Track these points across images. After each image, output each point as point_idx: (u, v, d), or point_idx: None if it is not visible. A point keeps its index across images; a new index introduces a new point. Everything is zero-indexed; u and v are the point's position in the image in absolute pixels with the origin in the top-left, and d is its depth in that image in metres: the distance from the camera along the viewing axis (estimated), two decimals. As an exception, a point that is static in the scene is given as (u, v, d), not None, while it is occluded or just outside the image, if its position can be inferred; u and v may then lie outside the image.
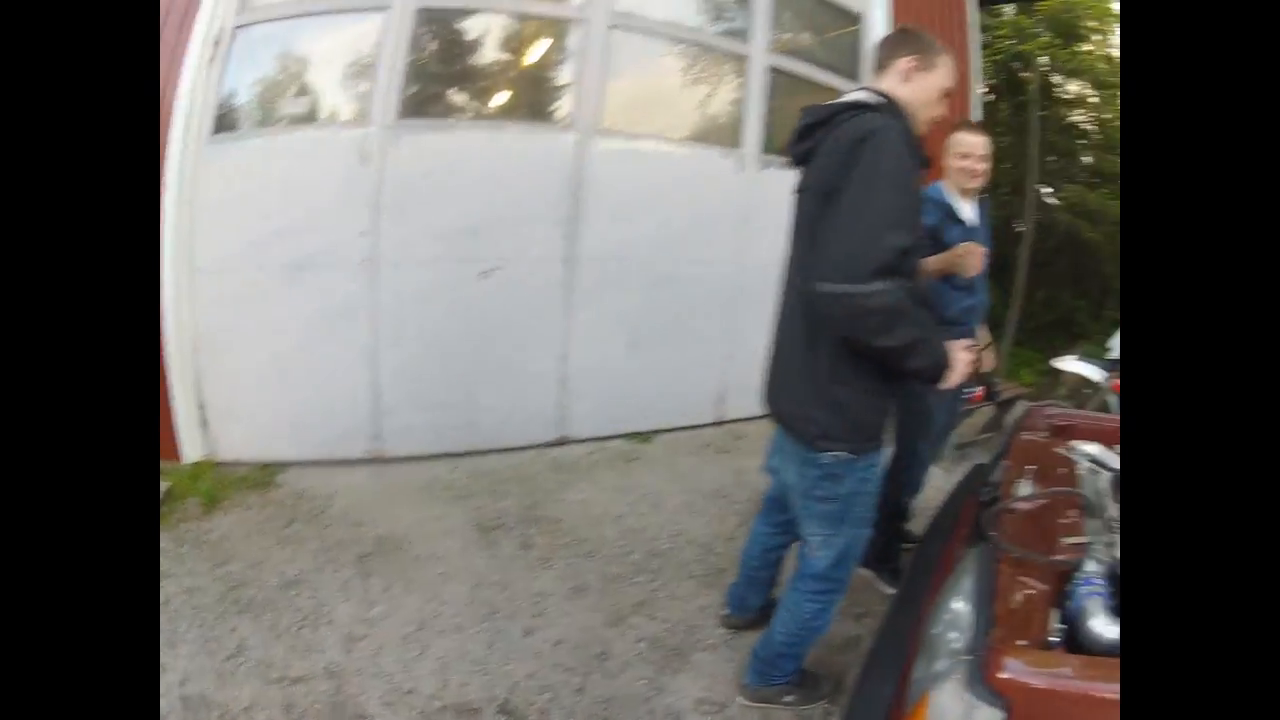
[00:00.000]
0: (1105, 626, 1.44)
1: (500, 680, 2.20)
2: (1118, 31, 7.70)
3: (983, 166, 2.61)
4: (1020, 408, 4.66)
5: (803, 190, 1.83)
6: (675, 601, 2.58)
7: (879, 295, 1.49)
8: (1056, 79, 8.21)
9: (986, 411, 4.46)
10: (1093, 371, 4.24)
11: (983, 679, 1.20)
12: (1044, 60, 7.74)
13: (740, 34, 3.58)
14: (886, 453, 1.93)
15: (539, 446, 3.47)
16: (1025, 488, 1.92)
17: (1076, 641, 1.47)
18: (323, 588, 2.61)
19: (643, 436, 3.65)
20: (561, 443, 3.51)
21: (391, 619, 2.45)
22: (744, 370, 3.86)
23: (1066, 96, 8.27)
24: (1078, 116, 8.37)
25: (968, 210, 2.67)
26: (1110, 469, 2.29)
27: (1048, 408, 2.59)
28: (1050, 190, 7.72)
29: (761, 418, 4.02)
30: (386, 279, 3.45)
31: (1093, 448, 2.40)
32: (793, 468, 1.93)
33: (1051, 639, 1.32)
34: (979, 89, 5.14)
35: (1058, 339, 6.60)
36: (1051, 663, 1.27)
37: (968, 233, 2.60)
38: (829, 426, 1.76)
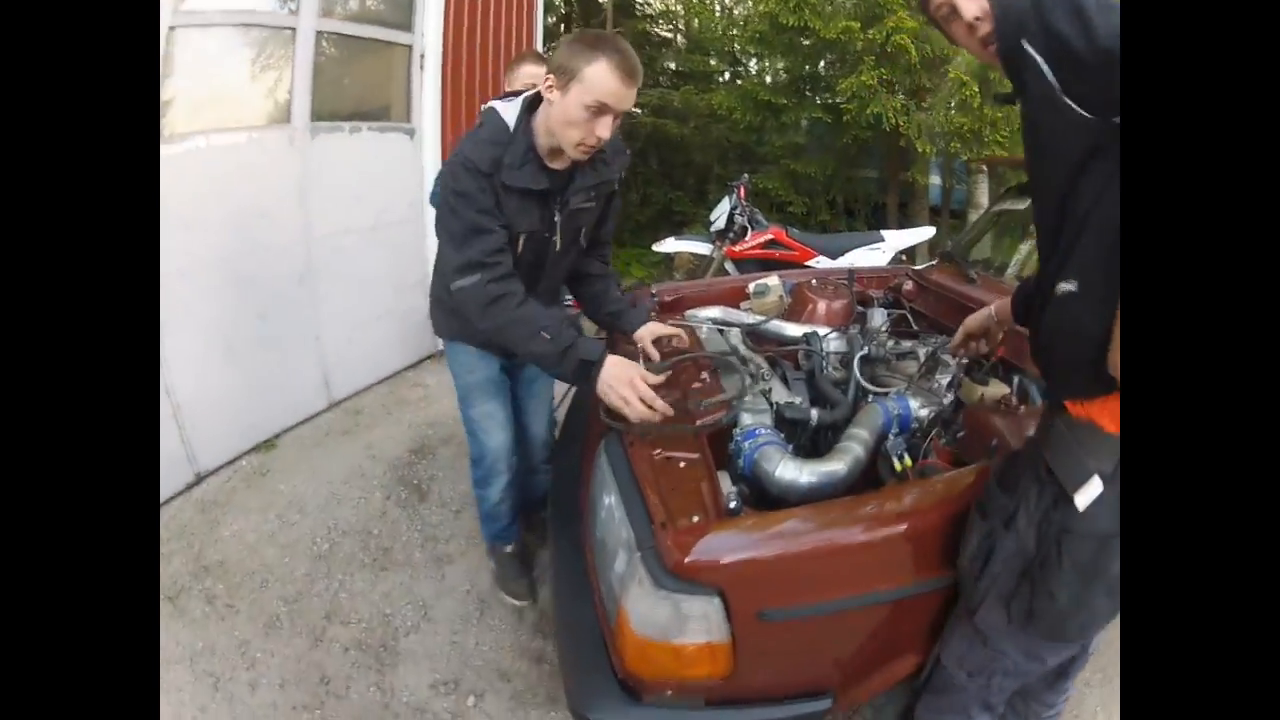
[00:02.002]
0: (792, 469, 1.45)
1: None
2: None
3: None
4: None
5: None
6: (358, 598, 2.48)
7: (464, 290, 1.65)
8: None
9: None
10: (697, 246, 4.59)
11: (668, 570, 1.12)
12: None
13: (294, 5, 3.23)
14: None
15: (180, 494, 3.03)
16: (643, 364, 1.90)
17: (767, 496, 1.46)
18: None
19: (268, 444, 3.40)
20: (198, 481, 3.11)
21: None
22: (339, 346, 3.73)
23: (650, 13, 8.67)
24: (663, 30, 8.85)
25: None
26: (736, 324, 2.44)
27: (650, 287, 2.68)
28: None
29: (372, 387, 3.95)
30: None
31: (710, 311, 2.54)
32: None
33: (731, 505, 1.27)
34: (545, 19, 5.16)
35: (662, 230, 6.96)
36: (740, 527, 1.22)
37: None
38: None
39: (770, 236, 4.36)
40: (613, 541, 1.33)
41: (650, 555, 1.16)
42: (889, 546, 1.26)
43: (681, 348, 2.01)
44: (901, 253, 4.57)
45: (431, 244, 4.07)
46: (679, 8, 8.79)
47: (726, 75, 8.36)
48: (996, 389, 1.87)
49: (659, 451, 1.44)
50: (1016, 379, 1.93)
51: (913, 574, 1.30)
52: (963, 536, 1.27)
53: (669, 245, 4.63)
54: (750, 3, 7.97)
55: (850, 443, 1.57)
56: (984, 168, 5.93)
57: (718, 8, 8.82)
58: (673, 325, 2.15)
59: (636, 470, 1.38)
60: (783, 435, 1.60)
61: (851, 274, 2.85)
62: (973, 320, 1.81)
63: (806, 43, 6.01)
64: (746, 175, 4.92)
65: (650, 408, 1.53)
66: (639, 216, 7.23)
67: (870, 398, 1.92)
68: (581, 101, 1.51)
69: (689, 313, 2.47)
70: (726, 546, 1.15)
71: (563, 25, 8.25)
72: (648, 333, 2.02)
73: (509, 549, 2.49)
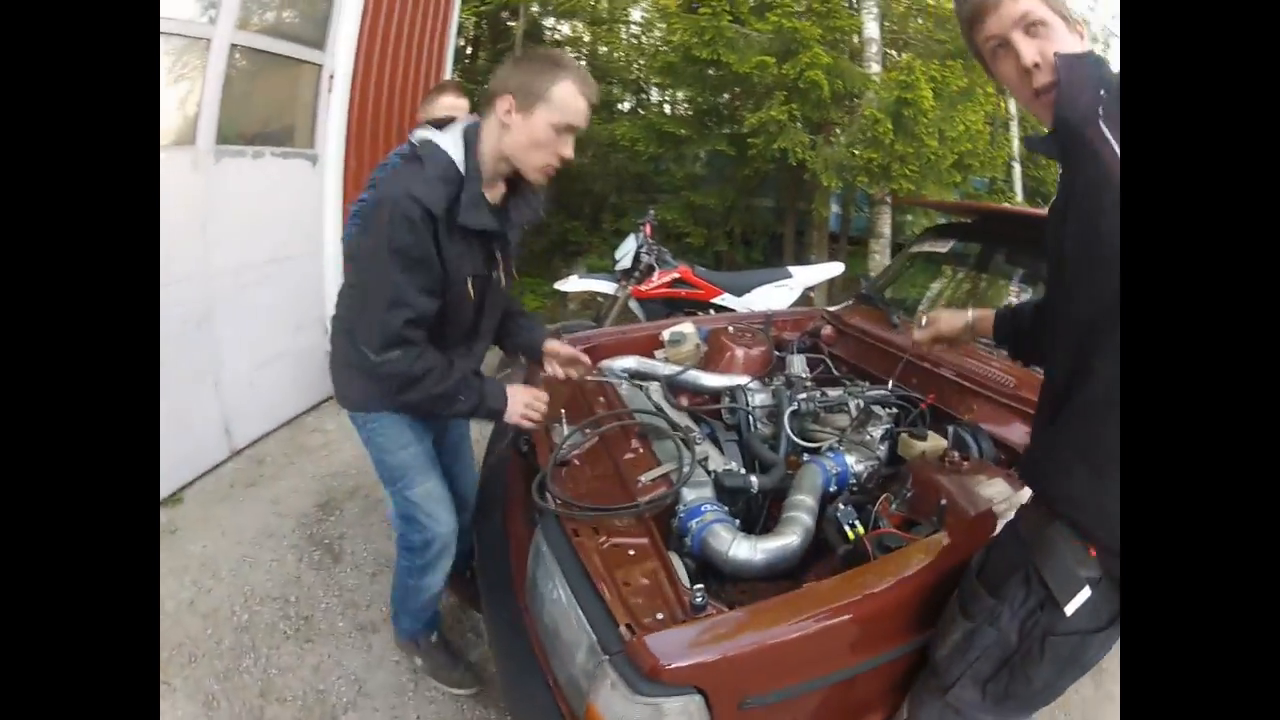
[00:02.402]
0: (745, 549, 1.42)
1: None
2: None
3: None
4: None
5: None
6: (289, 674, 2.31)
7: (389, 364, 1.58)
8: (549, 22, 8.51)
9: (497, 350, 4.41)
10: (601, 284, 4.51)
11: (644, 675, 1.08)
12: (535, 8, 7.97)
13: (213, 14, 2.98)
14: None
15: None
16: (563, 431, 1.83)
17: (717, 572, 1.43)
18: None
19: (174, 498, 3.14)
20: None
21: None
22: (240, 390, 3.49)
23: (559, 39, 8.61)
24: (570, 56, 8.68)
25: None
26: (654, 376, 2.40)
27: (562, 337, 2.60)
28: None
29: (273, 432, 3.73)
30: None
31: (626, 361, 2.49)
32: None
33: (698, 600, 1.22)
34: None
35: (556, 260, 6.98)
36: (713, 624, 1.18)
37: None
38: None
39: (677, 275, 4.36)
40: (568, 633, 1.27)
41: (621, 660, 1.11)
42: (860, 624, 1.26)
43: (603, 406, 1.98)
44: (808, 289, 4.67)
45: (331, 279, 3.89)
46: (586, 35, 8.80)
47: (628, 105, 8.40)
48: (935, 443, 1.92)
49: (604, 539, 1.39)
50: (951, 430, 2.00)
51: (882, 644, 1.32)
52: (940, 627, 1.29)
53: (572, 284, 4.53)
54: (659, 32, 8.02)
55: (797, 513, 1.57)
56: (886, 198, 6.14)
57: (623, 33, 8.87)
58: (591, 380, 2.13)
59: (584, 561, 1.32)
60: (726, 508, 1.58)
61: (769, 319, 2.89)
62: (948, 323, 1.76)
63: (716, 74, 6.06)
64: (652, 212, 4.87)
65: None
66: (534, 245, 7.13)
67: (805, 456, 1.94)
68: (549, 122, 1.52)
69: (603, 364, 2.43)
70: (703, 646, 1.12)
71: (470, 48, 8.12)
72: (550, 350, 2.03)
73: (434, 637, 2.28)
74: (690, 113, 6.85)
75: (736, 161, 6.23)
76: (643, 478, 1.57)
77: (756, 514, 1.81)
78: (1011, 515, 1.29)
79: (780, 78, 5.40)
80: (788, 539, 1.48)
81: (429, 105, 2.54)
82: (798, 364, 2.58)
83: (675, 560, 1.39)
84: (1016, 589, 1.16)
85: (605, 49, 8.68)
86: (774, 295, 4.38)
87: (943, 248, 2.97)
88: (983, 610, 1.21)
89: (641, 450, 1.72)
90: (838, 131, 5.81)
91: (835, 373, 2.61)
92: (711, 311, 4.15)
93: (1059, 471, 1.12)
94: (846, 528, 1.53)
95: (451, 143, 1.58)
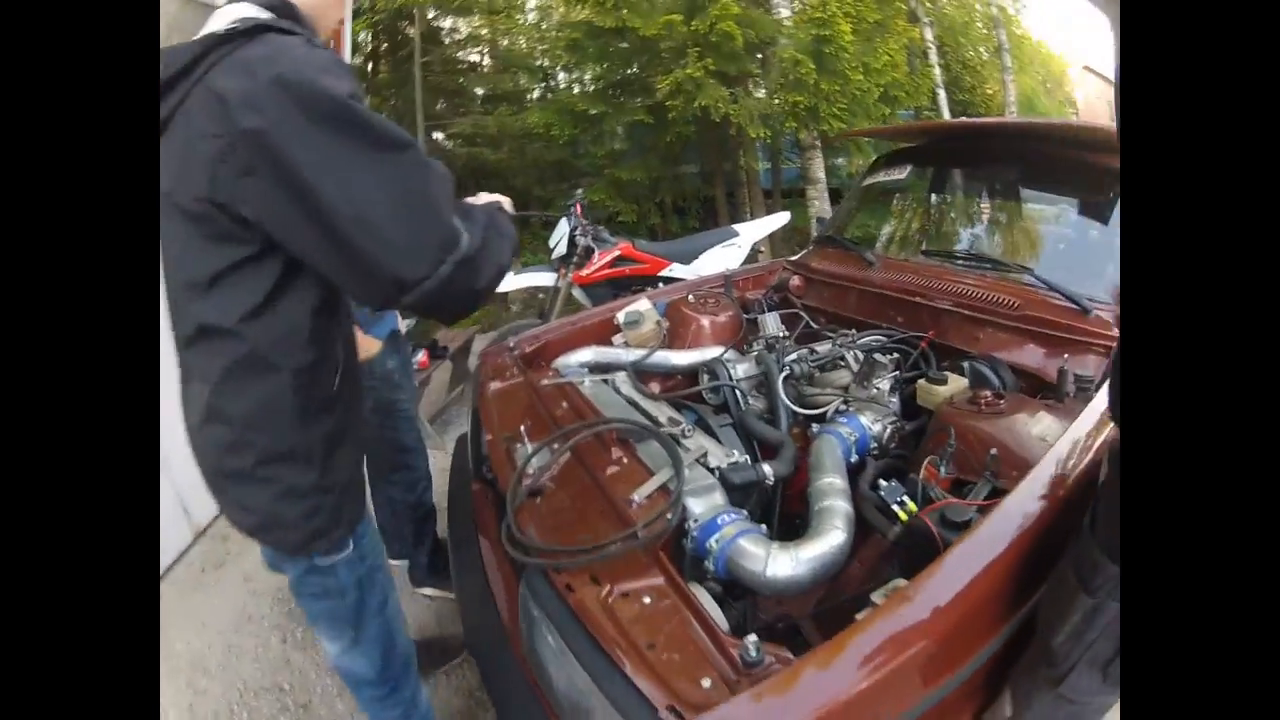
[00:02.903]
0: (787, 563, 1.12)
1: None
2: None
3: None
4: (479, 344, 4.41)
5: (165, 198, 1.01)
6: None
7: (472, 258, 1.01)
8: (447, 23, 8.16)
9: (446, 367, 4.09)
10: (539, 278, 4.16)
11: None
12: (431, 11, 7.64)
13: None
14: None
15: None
16: (526, 451, 1.47)
17: (745, 589, 1.14)
18: None
19: None
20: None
21: None
22: (188, 464, 3.00)
23: (458, 37, 8.30)
24: (471, 54, 8.48)
25: None
26: (618, 365, 2.08)
27: (506, 341, 2.23)
28: (442, 134, 7.75)
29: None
30: None
31: (583, 354, 2.16)
32: None
33: (752, 654, 0.91)
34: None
35: None
36: (778, 683, 0.86)
37: None
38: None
39: (618, 253, 4.03)
40: (595, 710, 0.95)
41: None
42: (956, 630, 0.98)
43: (569, 412, 1.63)
44: (757, 245, 4.41)
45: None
46: (485, 30, 8.48)
47: (537, 93, 8.24)
48: (956, 385, 1.65)
49: (607, 588, 1.04)
50: (968, 367, 1.73)
51: (977, 645, 1.03)
52: (1051, 609, 1.03)
53: (509, 283, 4.11)
54: (559, 14, 7.80)
55: (831, 501, 1.27)
56: (816, 143, 5.95)
57: (522, 20, 8.54)
58: (547, 383, 1.80)
59: (592, 630, 0.98)
60: (744, 512, 1.27)
61: (728, 280, 2.61)
62: None
63: (623, 45, 5.88)
64: (580, 192, 4.54)
65: None
66: None
67: (815, 428, 1.65)
68: None
69: (558, 363, 2.09)
70: (772, 714, 0.81)
71: (370, 64, 7.73)
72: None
73: None
74: (602, 87, 6.61)
75: (656, 130, 6.07)
76: (635, 495, 1.22)
77: (770, 504, 1.51)
78: (1105, 461, 1.02)
79: (690, 34, 5.22)
80: (832, 537, 1.17)
81: None
82: (771, 323, 2.29)
83: (702, 596, 1.08)
84: None
85: (506, 41, 8.45)
86: (723, 256, 4.10)
87: (899, 174, 2.73)
88: (1108, 581, 0.94)
89: (625, 459, 1.38)
90: (757, 81, 5.63)
91: (814, 326, 2.32)
92: (660, 285, 3.84)
93: None
94: (895, 507, 1.24)
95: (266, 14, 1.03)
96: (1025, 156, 2.22)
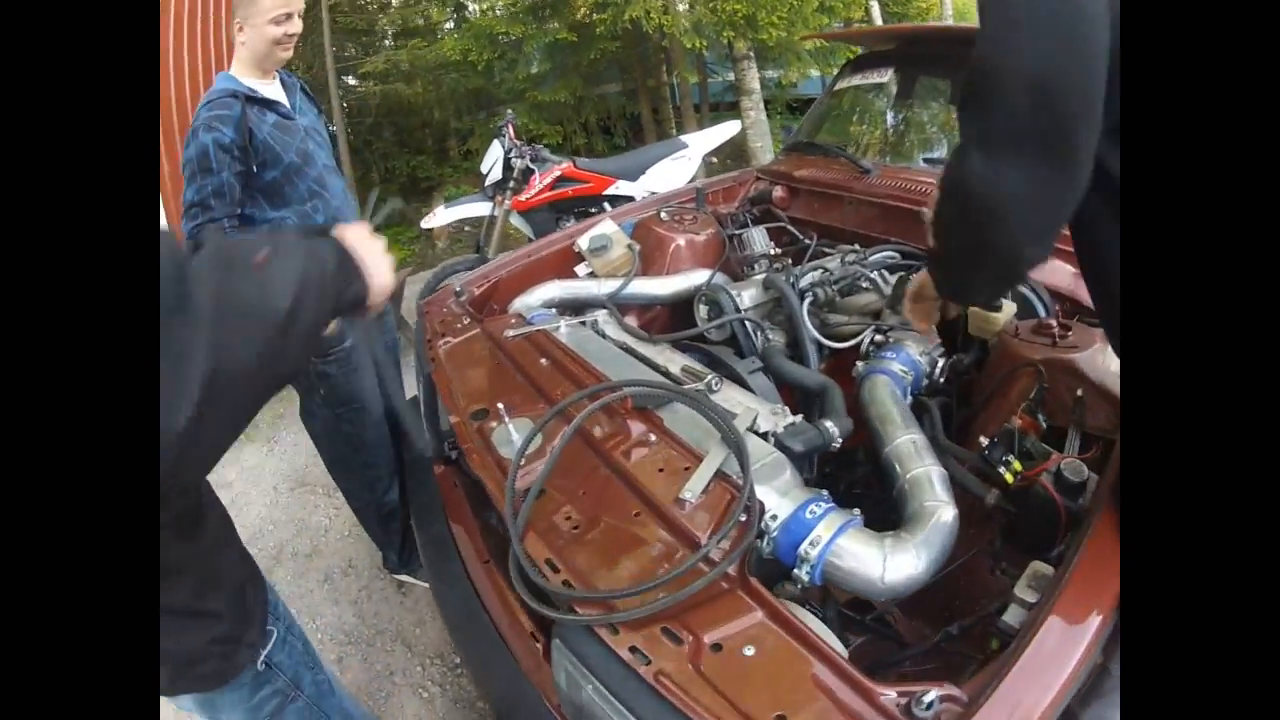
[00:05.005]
0: (907, 563, 0.87)
1: None
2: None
3: (298, 28, 1.74)
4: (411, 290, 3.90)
5: None
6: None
7: None
8: None
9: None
10: (473, 208, 3.73)
11: None
12: None
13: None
14: None
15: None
16: (508, 433, 1.12)
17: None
18: None
19: None
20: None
21: None
22: None
23: None
24: None
25: (279, 92, 1.80)
26: (593, 301, 1.76)
27: (449, 284, 1.85)
28: (353, 78, 7.15)
29: None
30: None
31: (546, 291, 1.82)
32: None
33: (924, 701, 0.66)
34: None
35: (413, 201, 6.30)
36: None
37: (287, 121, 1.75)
38: None
39: (559, 173, 3.64)
40: None
41: None
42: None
43: (548, 370, 1.27)
44: (708, 155, 4.08)
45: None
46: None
47: (450, 24, 7.59)
48: (1008, 310, 1.38)
49: (690, 643, 0.72)
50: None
51: None
52: None
53: (440, 217, 3.71)
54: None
55: (921, 466, 1.00)
56: (750, 54, 5.60)
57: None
58: (514, 334, 1.45)
59: (681, 708, 0.67)
60: (826, 493, 0.96)
61: (700, 191, 2.29)
62: None
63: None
64: (511, 112, 4.10)
65: None
66: (390, 190, 6.44)
67: (860, 366, 1.36)
68: None
69: (518, 304, 1.74)
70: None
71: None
72: None
73: None
74: (520, 9, 6.10)
75: (580, 48, 5.75)
76: (685, 493, 0.88)
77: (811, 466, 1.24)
78: None
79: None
80: (942, 514, 0.90)
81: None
82: (759, 239, 2.00)
83: (812, 623, 0.79)
84: None
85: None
86: (673, 170, 3.76)
87: (879, 78, 2.48)
88: None
89: (654, 436, 1.03)
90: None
91: (807, 241, 2.03)
92: (608, 207, 3.47)
93: None
94: (1004, 471, 0.98)
95: None
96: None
